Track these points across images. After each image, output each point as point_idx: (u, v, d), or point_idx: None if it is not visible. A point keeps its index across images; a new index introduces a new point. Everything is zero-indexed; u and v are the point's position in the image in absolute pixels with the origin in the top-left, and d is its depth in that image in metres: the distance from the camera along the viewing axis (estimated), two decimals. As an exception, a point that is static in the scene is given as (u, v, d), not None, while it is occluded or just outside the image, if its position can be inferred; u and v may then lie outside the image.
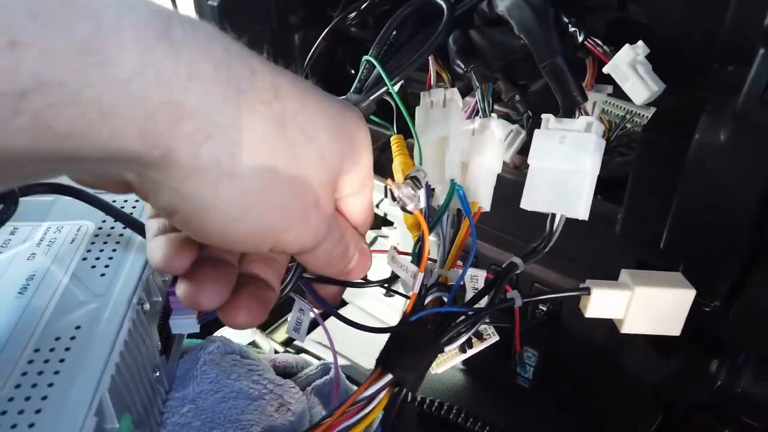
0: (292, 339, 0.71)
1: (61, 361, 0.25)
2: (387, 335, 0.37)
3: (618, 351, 0.52)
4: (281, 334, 0.71)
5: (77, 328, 0.26)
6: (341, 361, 0.67)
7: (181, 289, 0.22)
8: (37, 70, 0.13)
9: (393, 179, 0.28)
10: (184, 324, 0.32)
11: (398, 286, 0.67)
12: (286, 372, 0.47)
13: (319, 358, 0.67)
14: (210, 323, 0.34)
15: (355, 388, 0.52)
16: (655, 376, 0.50)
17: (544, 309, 0.54)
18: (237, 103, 0.17)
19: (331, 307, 0.36)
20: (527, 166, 0.58)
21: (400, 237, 0.63)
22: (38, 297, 0.28)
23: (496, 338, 0.32)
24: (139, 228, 0.29)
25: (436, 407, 0.54)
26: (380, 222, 0.68)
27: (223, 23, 0.52)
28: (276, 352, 0.62)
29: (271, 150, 0.18)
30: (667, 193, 0.39)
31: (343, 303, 0.77)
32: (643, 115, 0.49)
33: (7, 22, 0.13)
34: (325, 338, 0.72)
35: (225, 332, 0.56)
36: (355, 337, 0.67)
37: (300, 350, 0.67)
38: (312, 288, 0.36)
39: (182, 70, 0.15)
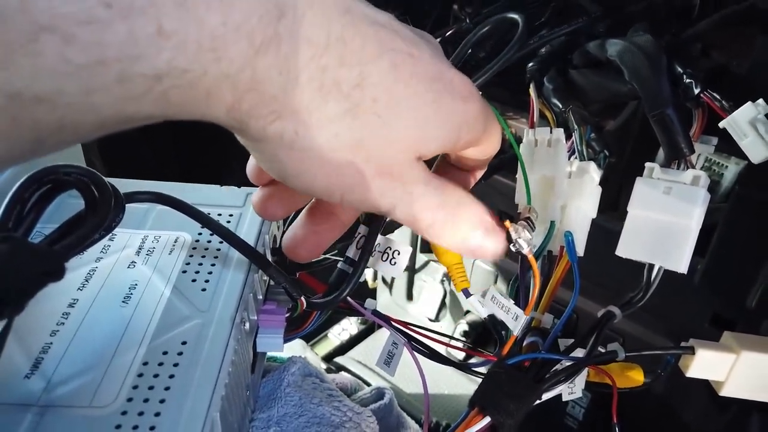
0: (332, 355, 0.71)
1: (171, 377, 0.24)
2: (432, 362, 0.37)
3: (676, 401, 0.51)
4: (321, 349, 0.71)
5: (183, 343, 0.26)
6: (380, 382, 0.66)
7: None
8: (172, 57, 0.15)
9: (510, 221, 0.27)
10: (271, 343, 0.32)
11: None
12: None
13: (360, 378, 0.66)
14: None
15: (405, 415, 0.52)
16: (713, 429, 0.49)
17: (603, 351, 0.53)
18: (316, 92, 0.19)
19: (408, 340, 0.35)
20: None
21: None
22: (142, 308, 0.28)
23: (577, 395, 0.31)
24: (236, 242, 0.29)
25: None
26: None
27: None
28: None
29: (336, 134, 0.20)
30: (758, 249, 0.38)
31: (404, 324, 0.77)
32: (722, 164, 0.48)
33: (157, 9, 0.15)
34: (365, 356, 0.72)
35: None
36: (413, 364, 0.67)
37: (340, 368, 0.67)
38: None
39: (276, 65, 0.18)
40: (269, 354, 0.37)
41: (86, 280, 0.29)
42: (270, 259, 0.33)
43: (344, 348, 0.71)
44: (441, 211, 0.23)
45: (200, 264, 0.31)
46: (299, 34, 0.18)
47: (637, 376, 0.34)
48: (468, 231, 0.24)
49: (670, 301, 0.46)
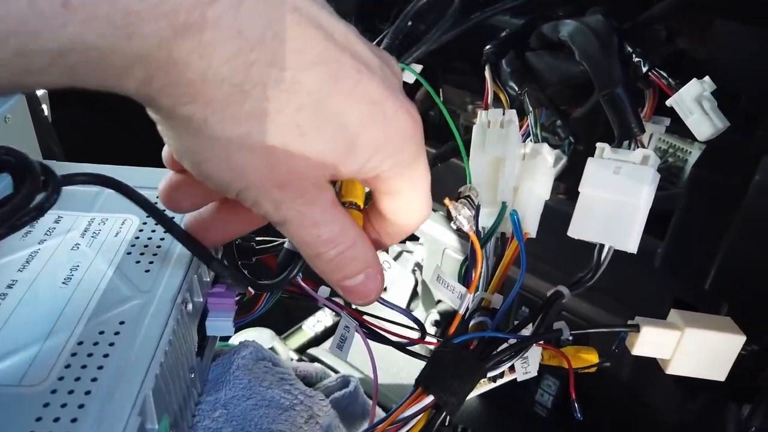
0: (306, 346, 0.71)
1: (105, 356, 0.24)
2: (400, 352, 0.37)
3: (643, 387, 0.51)
4: (295, 340, 0.71)
5: (121, 323, 0.26)
6: (353, 373, 0.66)
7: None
8: (78, 32, 0.15)
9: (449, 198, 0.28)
10: (220, 326, 0.32)
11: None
12: (306, 382, 0.46)
13: (332, 368, 0.66)
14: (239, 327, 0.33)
15: (370, 402, 0.52)
16: (679, 416, 0.49)
17: (570, 338, 0.53)
18: (237, 87, 0.18)
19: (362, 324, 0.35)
20: (561, 192, 0.57)
21: (426, 253, 0.63)
22: (82, 288, 0.27)
23: (531, 374, 0.31)
24: (178, 233, 0.28)
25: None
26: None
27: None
28: (291, 360, 0.61)
29: (247, 133, 0.19)
30: (716, 231, 0.38)
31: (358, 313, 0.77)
32: (686, 150, 0.49)
33: None
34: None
35: (246, 337, 0.55)
36: (362, 348, 0.67)
37: (313, 359, 0.67)
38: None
39: (197, 50, 0.17)
40: (225, 341, 0.37)
41: (27, 262, 0.29)
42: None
43: (318, 340, 0.71)
44: (330, 246, 0.22)
45: (146, 246, 0.30)
46: (229, 23, 0.17)
47: (590, 357, 0.34)
48: (350, 273, 0.23)
49: (633, 285, 0.46)
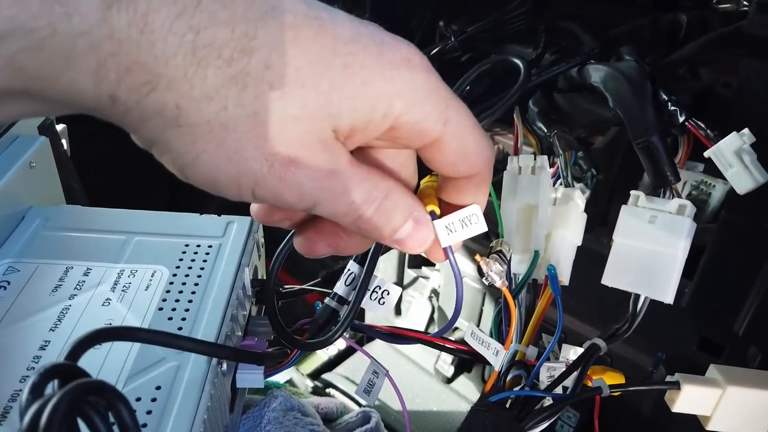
0: (320, 371, 0.70)
1: (144, 426, 0.24)
2: (418, 377, 0.36)
3: (665, 427, 0.50)
4: (308, 365, 0.70)
5: (158, 388, 0.25)
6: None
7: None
8: (12, 15, 0.14)
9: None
10: (250, 379, 0.31)
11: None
12: (327, 418, 0.46)
13: (347, 395, 0.66)
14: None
15: (392, 436, 0.51)
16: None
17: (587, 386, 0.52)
18: (190, 57, 0.17)
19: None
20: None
21: (442, 279, 0.62)
22: (116, 350, 0.27)
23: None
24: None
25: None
26: (420, 261, 0.67)
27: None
28: (307, 387, 0.61)
29: (224, 107, 0.17)
30: (745, 275, 0.38)
31: (370, 339, 0.77)
32: (710, 184, 0.48)
33: None
34: (353, 371, 0.71)
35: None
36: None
37: (327, 384, 0.66)
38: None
39: (135, 23, 0.16)
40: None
41: (59, 320, 0.28)
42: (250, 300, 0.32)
43: (332, 364, 0.70)
44: (367, 206, 0.21)
45: (177, 301, 0.30)
46: None
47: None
48: (397, 224, 0.22)
49: (659, 323, 0.46)
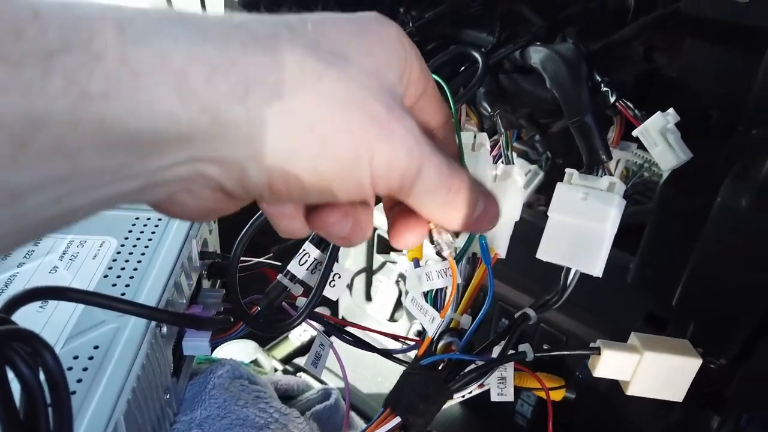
0: (292, 356, 0.72)
1: (78, 381, 0.25)
2: (387, 361, 0.38)
3: (619, 399, 0.52)
4: (281, 350, 0.71)
5: (95, 347, 0.26)
6: (338, 384, 0.67)
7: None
8: (61, 33, 0.14)
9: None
10: (196, 346, 0.32)
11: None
12: (287, 395, 0.47)
13: (318, 380, 0.67)
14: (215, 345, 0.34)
15: (352, 414, 0.52)
16: (655, 427, 0.50)
17: (547, 347, 0.54)
18: (259, 50, 0.17)
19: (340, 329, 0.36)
20: (541, 204, 0.58)
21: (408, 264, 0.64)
22: (58, 312, 0.28)
23: (507, 398, 0.32)
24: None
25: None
26: (388, 247, 0.68)
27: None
28: (275, 370, 0.62)
29: (315, 78, 0.17)
30: (683, 249, 0.39)
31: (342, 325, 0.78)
32: (661, 166, 0.50)
33: None
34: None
35: (229, 349, 0.56)
36: (353, 360, 0.67)
37: (298, 369, 0.67)
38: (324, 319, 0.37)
39: (195, 32, 0.16)
40: (204, 356, 0.38)
41: (5, 286, 0.29)
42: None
43: (305, 349, 0.71)
44: (454, 191, 0.21)
45: (122, 269, 0.31)
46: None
47: (557, 394, 0.35)
48: (474, 205, 0.22)
49: (608, 299, 0.47)
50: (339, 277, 0.34)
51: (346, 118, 0.18)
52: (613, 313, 0.48)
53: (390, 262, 0.67)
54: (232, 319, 0.32)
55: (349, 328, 0.38)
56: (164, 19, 0.15)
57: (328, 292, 0.34)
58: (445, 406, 0.36)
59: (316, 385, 0.52)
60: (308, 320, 0.36)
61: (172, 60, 0.15)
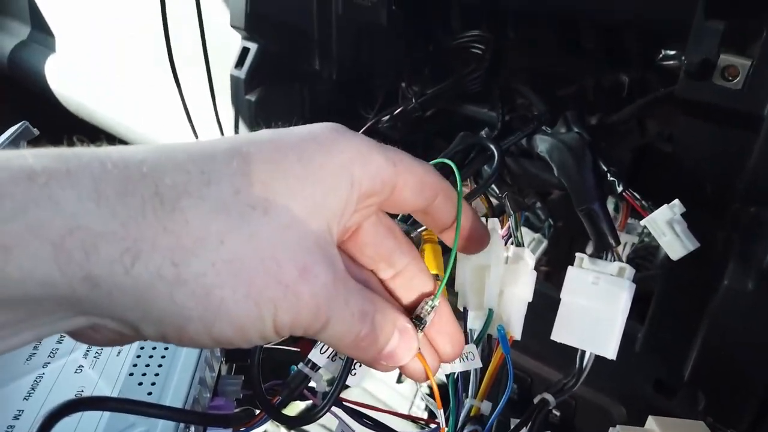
0: (298, 420, 0.71)
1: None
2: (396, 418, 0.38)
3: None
4: (290, 409, 0.70)
5: (127, 454, 0.27)
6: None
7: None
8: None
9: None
10: (219, 439, 0.32)
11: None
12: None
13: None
14: None
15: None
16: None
17: (558, 413, 0.54)
18: (159, 209, 0.16)
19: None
20: (546, 265, 0.59)
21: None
22: (87, 418, 0.28)
23: None
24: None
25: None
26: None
27: (257, 119, 0.54)
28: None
29: (217, 242, 0.17)
30: (691, 320, 0.40)
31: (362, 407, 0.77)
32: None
33: None
34: (332, 421, 0.72)
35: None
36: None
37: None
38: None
39: (85, 193, 0.15)
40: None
41: (32, 389, 0.30)
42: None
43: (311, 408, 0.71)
44: (365, 322, 0.21)
45: (147, 366, 0.31)
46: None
47: None
48: (388, 337, 0.22)
49: (617, 366, 0.48)
50: (360, 365, 0.35)
51: (247, 283, 0.17)
52: (622, 380, 0.48)
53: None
54: (256, 412, 0.32)
55: (369, 412, 0.38)
56: (52, 181, 0.15)
57: (350, 381, 0.34)
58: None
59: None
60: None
61: (49, 231, 0.15)
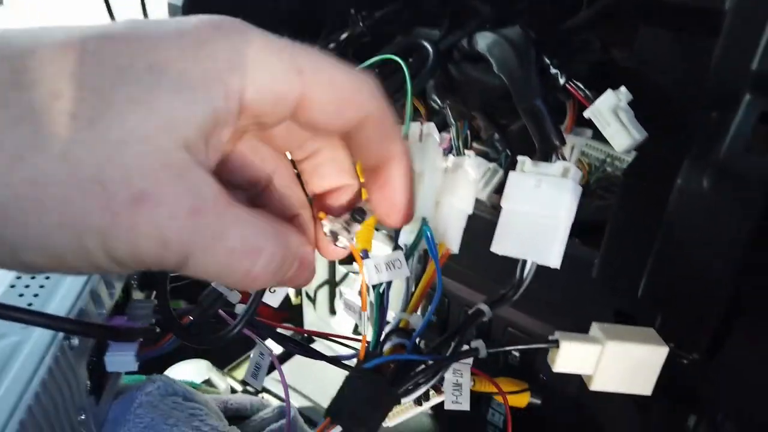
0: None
1: (-33, 400, 0.22)
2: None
3: (592, 402, 0.50)
4: (243, 371, 0.68)
5: (-9, 364, 0.23)
6: (304, 403, 0.64)
7: None
8: None
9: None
10: (120, 361, 0.29)
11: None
12: (239, 414, 0.44)
13: (281, 399, 0.63)
14: (153, 360, 0.31)
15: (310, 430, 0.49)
16: (630, 429, 0.48)
17: (518, 355, 0.52)
18: None
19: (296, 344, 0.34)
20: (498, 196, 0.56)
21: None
22: (-46, 326, 0.25)
23: (463, 407, 0.30)
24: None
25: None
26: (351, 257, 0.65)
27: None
28: (234, 391, 0.58)
29: (14, 159, 0.14)
30: (647, 240, 0.38)
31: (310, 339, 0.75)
32: (624, 160, 0.48)
33: None
34: (288, 377, 0.69)
35: (180, 369, 0.53)
36: (318, 377, 0.64)
37: (261, 390, 0.64)
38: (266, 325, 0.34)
39: None
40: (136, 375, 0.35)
41: None
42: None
43: (270, 367, 0.68)
44: (256, 257, 0.18)
45: (32, 277, 0.28)
46: None
47: (520, 399, 0.33)
48: (288, 272, 0.19)
49: (575, 296, 0.46)
50: (279, 282, 0.31)
51: (58, 208, 0.14)
52: (582, 312, 0.46)
53: (353, 272, 0.64)
54: (158, 330, 0.29)
55: (290, 333, 0.35)
56: None
57: (269, 299, 0.31)
58: (413, 417, 0.33)
59: (275, 403, 0.48)
60: (249, 330, 0.33)
61: None
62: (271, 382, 0.65)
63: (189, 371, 0.51)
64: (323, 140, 0.22)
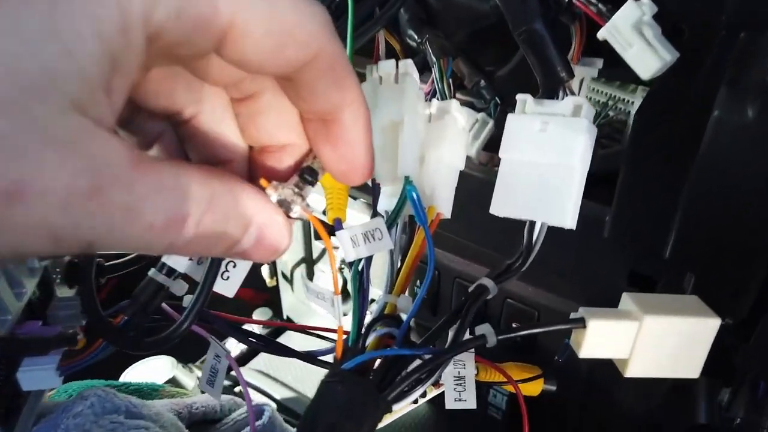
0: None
1: None
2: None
3: (603, 377, 0.45)
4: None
5: None
6: (286, 393, 0.58)
7: None
8: None
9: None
10: (38, 377, 0.23)
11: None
12: (207, 418, 0.38)
13: (261, 391, 0.58)
14: (81, 372, 0.25)
15: (290, 429, 0.44)
16: (647, 404, 0.44)
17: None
18: None
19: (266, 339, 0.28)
20: (497, 164, 0.50)
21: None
22: None
23: (469, 405, 0.24)
24: None
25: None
26: (329, 230, 0.59)
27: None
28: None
29: None
30: (670, 188, 0.32)
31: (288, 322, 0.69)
32: (630, 101, 0.42)
33: None
34: (269, 366, 0.64)
35: (138, 370, 0.47)
36: (301, 362, 0.59)
37: (236, 384, 0.58)
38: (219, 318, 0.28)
39: None
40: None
41: None
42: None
43: (245, 358, 0.62)
44: (180, 228, 0.14)
45: None
46: None
47: (532, 390, 0.28)
48: (235, 239, 0.15)
49: (583, 260, 0.40)
50: (234, 266, 0.25)
51: None
52: (590, 276, 0.40)
53: (333, 248, 0.58)
54: (80, 335, 0.23)
55: (255, 328, 0.29)
56: None
57: (221, 287, 0.25)
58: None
59: (255, 399, 0.43)
60: (200, 326, 0.27)
61: None
62: (249, 372, 0.60)
63: (150, 371, 0.46)
64: (264, 81, 0.17)
